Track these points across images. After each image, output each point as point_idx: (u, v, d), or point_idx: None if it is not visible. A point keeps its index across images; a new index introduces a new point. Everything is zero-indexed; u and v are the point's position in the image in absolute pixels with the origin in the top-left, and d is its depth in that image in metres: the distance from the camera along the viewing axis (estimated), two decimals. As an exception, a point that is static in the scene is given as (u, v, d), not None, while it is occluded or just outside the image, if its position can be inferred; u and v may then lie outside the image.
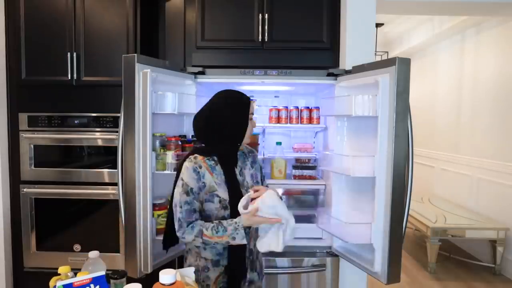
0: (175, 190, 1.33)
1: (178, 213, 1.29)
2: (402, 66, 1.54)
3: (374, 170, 1.66)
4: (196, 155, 1.34)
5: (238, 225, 1.26)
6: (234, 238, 1.26)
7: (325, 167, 2.08)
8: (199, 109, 1.42)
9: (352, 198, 1.96)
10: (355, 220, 1.78)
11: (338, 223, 1.85)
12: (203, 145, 1.41)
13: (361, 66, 1.78)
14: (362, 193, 1.87)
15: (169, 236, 1.48)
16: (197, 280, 1.33)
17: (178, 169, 1.37)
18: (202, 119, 1.37)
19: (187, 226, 1.28)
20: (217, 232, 1.26)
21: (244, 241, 1.27)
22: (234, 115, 1.35)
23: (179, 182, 1.31)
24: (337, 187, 2.01)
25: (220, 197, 1.32)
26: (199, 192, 1.31)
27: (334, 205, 2.01)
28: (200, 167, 1.31)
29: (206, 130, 1.36)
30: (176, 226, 1.29)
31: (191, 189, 1.30)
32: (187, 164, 1.32)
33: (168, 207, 1.77)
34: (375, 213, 1.66)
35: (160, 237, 1.73)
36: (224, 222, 1.28)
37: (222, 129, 1.34)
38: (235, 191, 1.33)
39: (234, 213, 1.29)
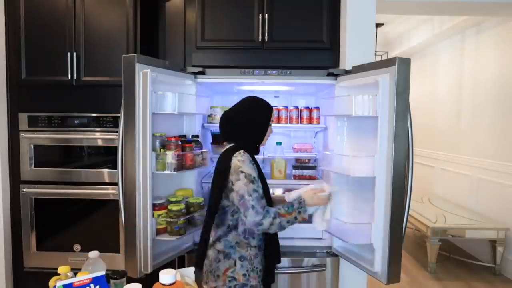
0: (237, 184, 1.35)
1: (249, 202, 1.32)
2: (402, 66, 1.54)
3: (374, 170, 1.66)
4: (241, 150, 1.42)
5: (301, 200, 1.43)
6: (300, 212, 1.41)
7: (325, 167, 2.08)
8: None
9: (352, 198, 1.96)
10: (355, 220, 1.78)
11: (338, 223, 1.85)
12: (233, 144, 1.50)
13: (361, 66, 1.77)
14: (362, 193, 1.86)
15: (204, 249, 1.49)
16: (252, 270, 1.42)
17: (222, 168, 1.41)
18: (231, 119, 1.49)
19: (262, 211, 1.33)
20: (288, 208, 1.39)
21: (307, 215, 1.44)
22: (260, 117, 1.51)
23: (240, 175, 1.36)
24: (337, 187, 2.01)
25: (261, 187, 1.43)
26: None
27: (334, 205, 2.01)
28: (251, 160, 1.42)
29: (236, 130, 1.48)
30: (251, 215, 1.32)
31: (254, 177, 1.37)
32: (241, 158, 1.40)
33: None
34: (375, 213, 1.66)
35: (160, 237, 1.74)
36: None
37: (249, 129, 1.47)
38: (266, 182, 1.52)
39: (268, 201, 1.46)
